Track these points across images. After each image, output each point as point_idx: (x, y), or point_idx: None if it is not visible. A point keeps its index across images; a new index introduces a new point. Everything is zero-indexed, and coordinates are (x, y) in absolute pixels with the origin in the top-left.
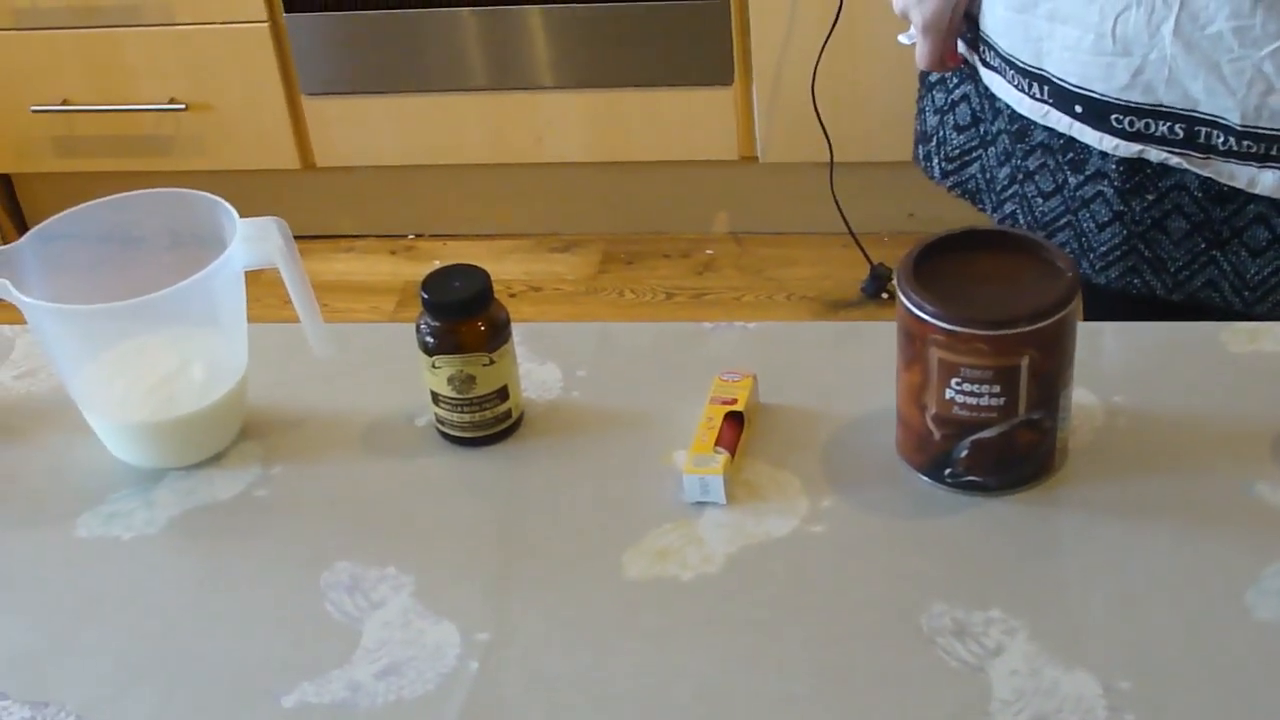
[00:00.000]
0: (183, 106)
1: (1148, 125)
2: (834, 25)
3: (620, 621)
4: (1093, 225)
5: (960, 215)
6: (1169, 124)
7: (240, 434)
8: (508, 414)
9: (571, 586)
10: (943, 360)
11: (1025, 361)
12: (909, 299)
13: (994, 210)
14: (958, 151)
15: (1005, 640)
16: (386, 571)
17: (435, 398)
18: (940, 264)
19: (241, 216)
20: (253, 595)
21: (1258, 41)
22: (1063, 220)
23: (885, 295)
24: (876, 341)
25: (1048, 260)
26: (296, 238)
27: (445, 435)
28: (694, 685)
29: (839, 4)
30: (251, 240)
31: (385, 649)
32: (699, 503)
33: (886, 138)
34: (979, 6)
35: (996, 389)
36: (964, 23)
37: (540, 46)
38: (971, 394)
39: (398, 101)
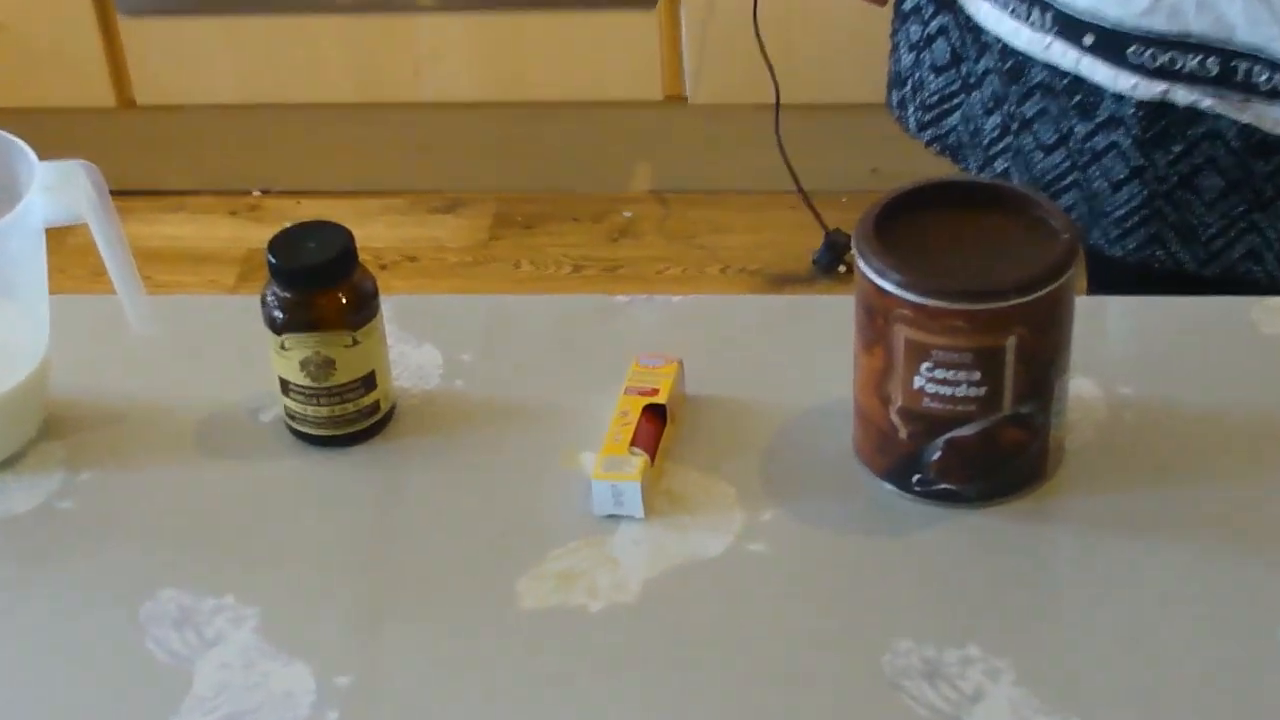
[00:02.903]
0: None
1: (1173, 60)
2: None
3: (514, 662)
4: (1106, 184)
5: (934, 170)
6: (1199, 58)
7: (40, 432)
8: (375, 407)
9: (453, 619)
10: (910, 341)
11: (1011, 342)
12: (869, 266)
13: (981, 169)
14: (936, 98)
15: (986, 684)
16: (224, 601)
17: (285, 386)
18: (908, 224)
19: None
20: (55, 633)
21: None
22: (1068, 179)
23: (843, 268)
24: (829, 319)
25: (1039, 219)
26: (113, 193)
27: (297, 433)
28: None
29: None
30: (53, 189)
31: (223, 697)
32: (611, 516)
33: (845, 74)
34: None
35: (976, 376)
36: None
37: None
38: (946, 382)
39: (237, 24)
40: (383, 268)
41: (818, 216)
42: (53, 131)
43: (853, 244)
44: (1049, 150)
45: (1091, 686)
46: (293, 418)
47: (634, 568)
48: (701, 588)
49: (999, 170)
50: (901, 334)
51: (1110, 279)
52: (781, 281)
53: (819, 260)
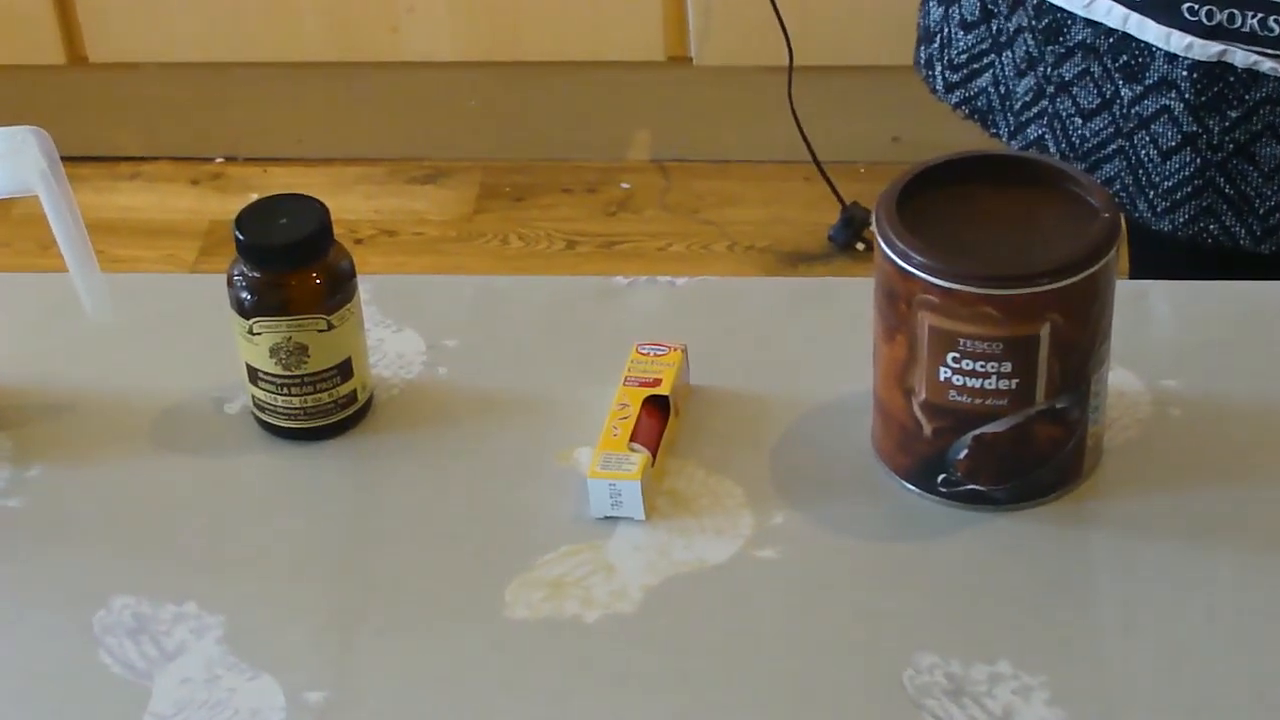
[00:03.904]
0: None
1: (1231, 17)
2: None
3: (502, 676)
4: (1154, 153)
5: (962, 140)
6: (1260, 14)
7: None
8: (352, 397)
9: (436, 630)
10: (936, 329)
11: (1046, 330)
12: (891, 246)
13: (1012, 136)
14: (964, 56)
15: (1017, 703)
16: (185, 609)
17: (254, 375)
18: (934, 200)
19: None
20: (0, 643)
21: None
22: (1111, 146)
23: (861, 245)
24: (848, 304)
25: (1078, 196)
26: (62, 159)
27: (266, 425)
28: None
29: None
30: (0, 158)
31: (184, 714)
32: (608, 518)
33: (864, 34)
34: None
35: (1007, 368)
36: None
37: None
38: (974, 374)
39: None
40: (357, 242)
41: (834, 189)
42: None
43: (873, 222)
44: (1089, 116)
45: (1131, 706)
46: (261, 409)
47: (633, 575)
48: (706, 597)
49: (1032, 137)
50: (926, 321)
51: (1156, 259)
52: (794, 260)
53: (835, 236)
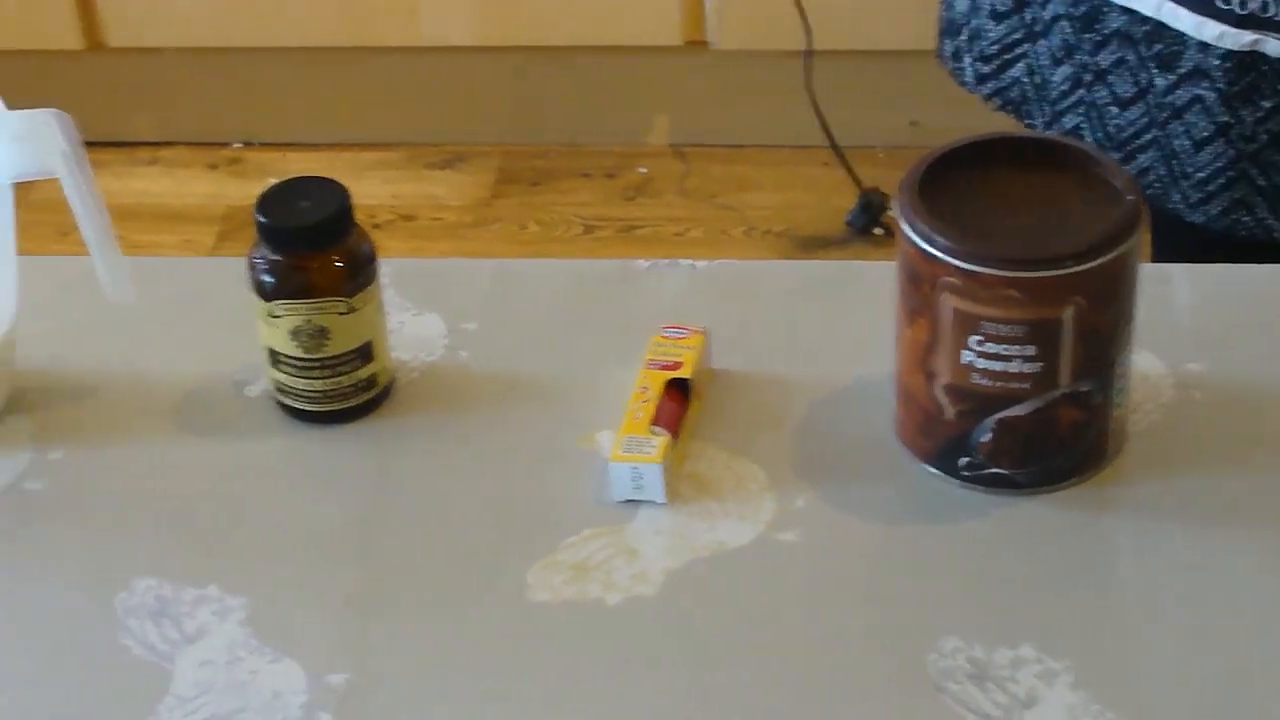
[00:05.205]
0: None
1: (1264, 5)
2: None
3: (524, 659)
4: (1187, 143)
5: (981, 124)
6: None
7: (7, 406)
8: (372, 380)
9: (458, 613)
10: (959, 311)
11: (1070, 314)
12: (914, 229)
13: (1048, 126)
14: (996, 47)
15: (1041, 687)
16: (206, 591)
17: (274, 358)
18: (956, 182)
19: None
20: (21, 625)
21: None
22: (1146, 136)
23: (879, 230)
24: (869, 287)
25: (1101, 178)
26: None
27: (287, 408)
28: None
29: None
30: (22, 140)
31: (205, 697)
32: (630, 501)
33: (883, 18)
34: None
35: (1031, 351)
36: None
37: None
38: (997, 357)
39: None
40: (376, 227)
41: (852, 173)
42: (13, 76)
43: (896, 205)
44: (1125, 105)
45: (1156, 690)
46: (282, 392)
47: (655, 558)
48: (728, 580)
49: (1068, 127)
50: (949, 304)
51: (1187, 248)
52: (812, 244)
53: (853, 221)
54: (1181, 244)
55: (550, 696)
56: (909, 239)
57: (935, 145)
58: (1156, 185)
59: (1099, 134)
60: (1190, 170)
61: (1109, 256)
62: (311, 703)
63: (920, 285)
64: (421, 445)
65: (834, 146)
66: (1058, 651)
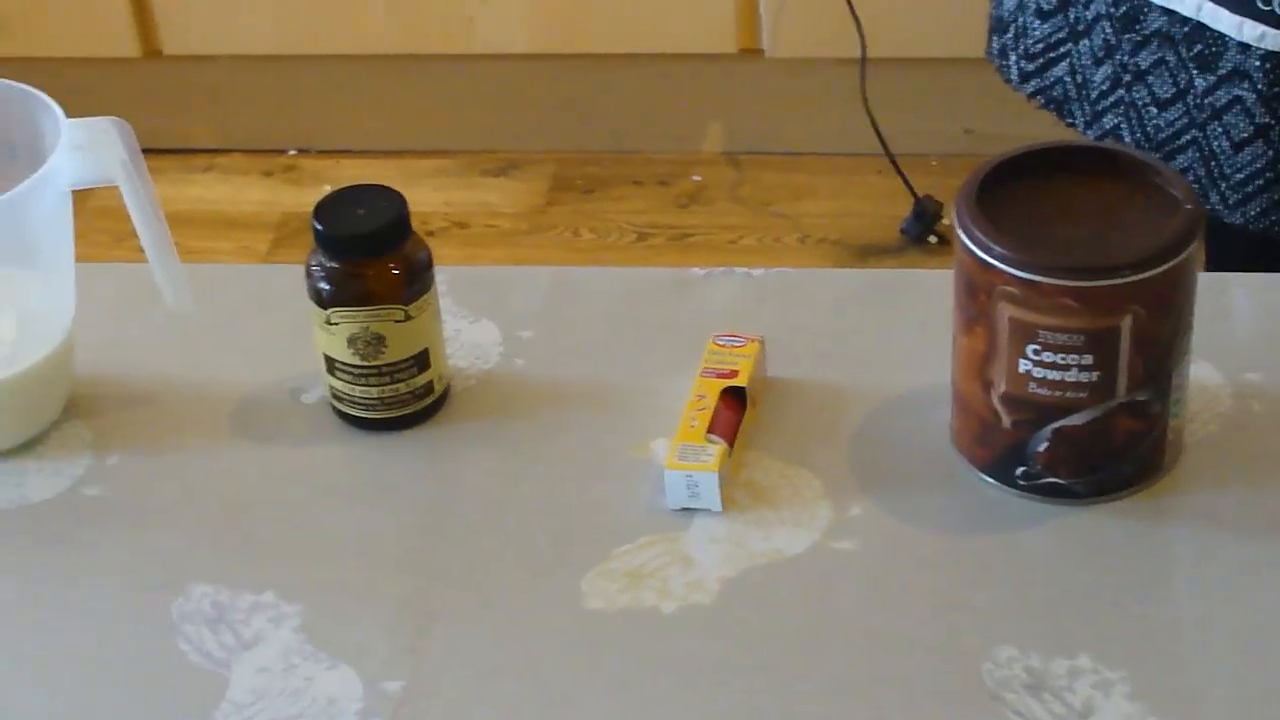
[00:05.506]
0: None
1: None
2: None
3: (579, 667)
4: (1227, 144)
5: (1035, 132)
6: None
7: (65, 412)
8: (428, 388)
9: (513, 620)
10: (1015, 320)
11: (1127, 323)
12: (971, 238)
13: (1088, 126)
14: (1040, 45)
15: (1097, 698)
16: (263, 598)
17: (331, 365)
18: (1014, 191)
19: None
20: (80, 631)
21: None
22: (1185, 137)
23: (933, 238)
24: (925, 296)
25: (1159, 187)
26: None
27: (343, 415)
28: None
29: None
30: (83, 149)
31: (261, 703)
32: (685, 509)
33: (937, 26)
34: None
35: (1088, 360)
36: None
37: None
38: (1054, 366)
39: None
40: (429, 235)
41: (906, 182)
42: (71, 84)
43: (953, 214)
44: (1164, 106)
45: (1213, 701)
46: (339, 399)
47: (710, 566)
48: (784, 588)
49: (1108, 127)
50: (1005, 313)
51: (1228, 249)
52: (866, 253)
53: (907, 230)
54: (1229, 252)
55: (605, 705)
56: (966, 247)
57: (989, 153)
58: (1195, 186)
59: (1138, 134)
60: (1229, 171)
61: (1167, 266)
62: (367, 710)
63: (977, 294)
64: (477, 452)
65: (888, 154)
66: (1114, 661)
